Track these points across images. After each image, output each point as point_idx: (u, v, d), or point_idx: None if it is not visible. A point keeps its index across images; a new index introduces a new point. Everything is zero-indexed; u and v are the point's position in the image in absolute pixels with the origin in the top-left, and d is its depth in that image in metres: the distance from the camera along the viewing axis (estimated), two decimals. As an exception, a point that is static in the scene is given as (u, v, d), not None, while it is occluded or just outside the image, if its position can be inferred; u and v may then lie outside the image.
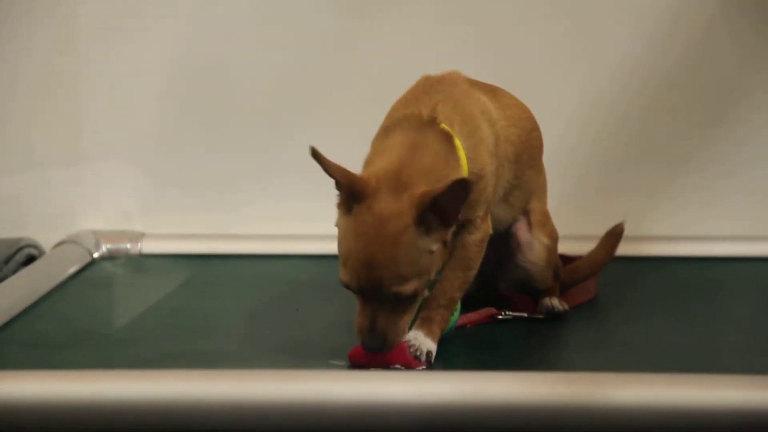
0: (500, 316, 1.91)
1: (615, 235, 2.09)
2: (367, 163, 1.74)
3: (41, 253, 2.39)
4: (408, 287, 1.64)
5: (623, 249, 2.10)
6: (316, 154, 1.63)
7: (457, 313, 1.80)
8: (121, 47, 2.47)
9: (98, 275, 2.27)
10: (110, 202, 2.50)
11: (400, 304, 1.66)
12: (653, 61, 2.44)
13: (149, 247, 2.38)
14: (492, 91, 1.87)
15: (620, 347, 1.82)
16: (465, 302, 1.82)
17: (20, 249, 2.36)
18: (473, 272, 1.79)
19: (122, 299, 2.20)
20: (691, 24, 2.42)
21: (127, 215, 2.49)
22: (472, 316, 1.88)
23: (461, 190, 1.63)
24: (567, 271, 2.03)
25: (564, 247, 2.02)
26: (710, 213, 2.46)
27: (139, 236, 2.39)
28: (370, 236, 1.63)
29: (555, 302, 1.94)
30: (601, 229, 2.11)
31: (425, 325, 1.73)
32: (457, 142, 1.73)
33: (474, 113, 1.79)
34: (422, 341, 1.71)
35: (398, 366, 1.68)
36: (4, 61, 2.48)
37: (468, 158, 1.73)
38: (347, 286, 1.67)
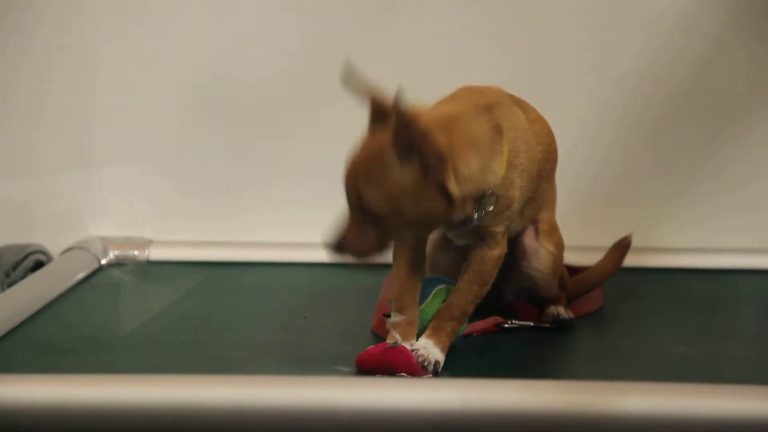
0: (506, 325, 1.91)
1: (622, 247, 2.09)
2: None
3: (49, 259, 2.40)
4: (372, 201, 1.64)
5: (630, 260, 2.10)
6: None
7: (465, 324, 1.80)
8: (130, 54, 2.48)
9: (106, 282, 2.27)
10: (119, 209, 2.51)
11: (368, 219, 1.66)
12: (663, 73, 2.44)
13: (157, 253, 2.39)
14: (520, 104, 1.86)
15: (626, 357, 1.82)
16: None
17: (29, 255, 2.37)
18: (487, 287, 1.79)
19: (129, 306, 2.20)
20: (703, 34, 2.42)
21: (135, 221, 2.49)
22: (479, 324, 1.88)
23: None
24: (574, 281, 2.03)
25: (571, 258, 2.02)
26: (717, 225, 2.45)
27: (146, 243, 2.40)
28: (363, 148, 1.65)
29: (561, 310, 1.94)
30: (609, 241, 2.11)
31: (435, 334, 1.73)
32: (505, 141, 1.72)
33: (518, 128, 1.78)
34: (431, 351, 1.71)
35: (404, 374, 1.68)
36: (12, 65, 2.49)
37: (508, 162, 1.73)
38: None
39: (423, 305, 1.78)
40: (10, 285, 2.25)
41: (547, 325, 1.93)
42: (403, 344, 1.71)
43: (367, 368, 1.69)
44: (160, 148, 2.50)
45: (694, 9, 2.42)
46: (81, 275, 2.25)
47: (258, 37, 2.47)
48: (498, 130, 1.71)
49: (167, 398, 1.56)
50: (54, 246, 2.41)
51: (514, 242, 1.91)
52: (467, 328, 1.83)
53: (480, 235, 1.76)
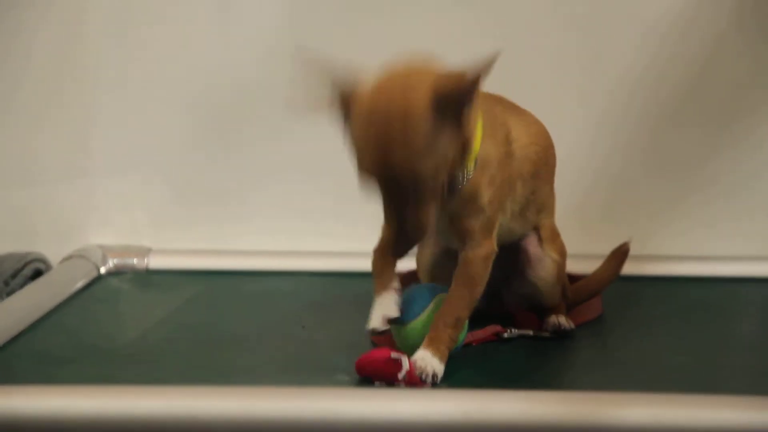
0: (506, 335, 1.91)
1: (621, 253, 2.09)
2: None
3: (48, 267, 2.40)
4: (426, 166, 1.59)
5: (629, 268, 2.10)
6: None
7: (465, 332, 1.79)
8: (130, 62, 2.48)
9: (105, 290, 2.27)
10: (118, 217, 2.50)
11: (421, 191, 1.61)
12: (661, 79, 2.43)
13: (156, 262, 2.38)
14: (514, 108, 1.88)
15: (625, 366, 1.82)
16: (471, 318, 1.81)
17: (28, 263, 2.37)
18: (479, 289, 1.77)
19: (129, 314, 2.20)
20: (702, 37, 2.41)
21: (135, 230, 2.49)
22: (478, 334, 1.87)
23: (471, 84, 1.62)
24: (573, 289, 2.03)
25: (570, 266, 2.01)
26: (717, 233, 2.45)
27: (146, 251, 2.39)
28: (384, 117, 1.59)
29: (562, 320, 1.94)
30: (607, 248, 2.11)
31: (433, 344, 1.72)
32: (479, 125, 1.72)
33: (504, 123, 1.79)
34: (429, 362, 1.70)
35: (402, 384, 1.68)
36: (13, 75, 2.49)
37: (480, 150, 1.73)
38: (367, 182, 1.62)
39: (423, 314, 1.78)
40: (9, 294, 2.25)
41: (546, 334, 1.93)
42: (404, 356, 1.70)
43: (366, 374, 1.69)
44: (160, 157, 2.50)
45: (691, 13, 2.42)
46: (80, 284, 2.25)
47: (262, 43, 2.46)
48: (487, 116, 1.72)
49: (167, 409, 1.56)
50: (53, 254, 2.40)
51: (517, 248, 1.91)
52: (466, 337, 1.82)
53: (458, 232, 1.76)
